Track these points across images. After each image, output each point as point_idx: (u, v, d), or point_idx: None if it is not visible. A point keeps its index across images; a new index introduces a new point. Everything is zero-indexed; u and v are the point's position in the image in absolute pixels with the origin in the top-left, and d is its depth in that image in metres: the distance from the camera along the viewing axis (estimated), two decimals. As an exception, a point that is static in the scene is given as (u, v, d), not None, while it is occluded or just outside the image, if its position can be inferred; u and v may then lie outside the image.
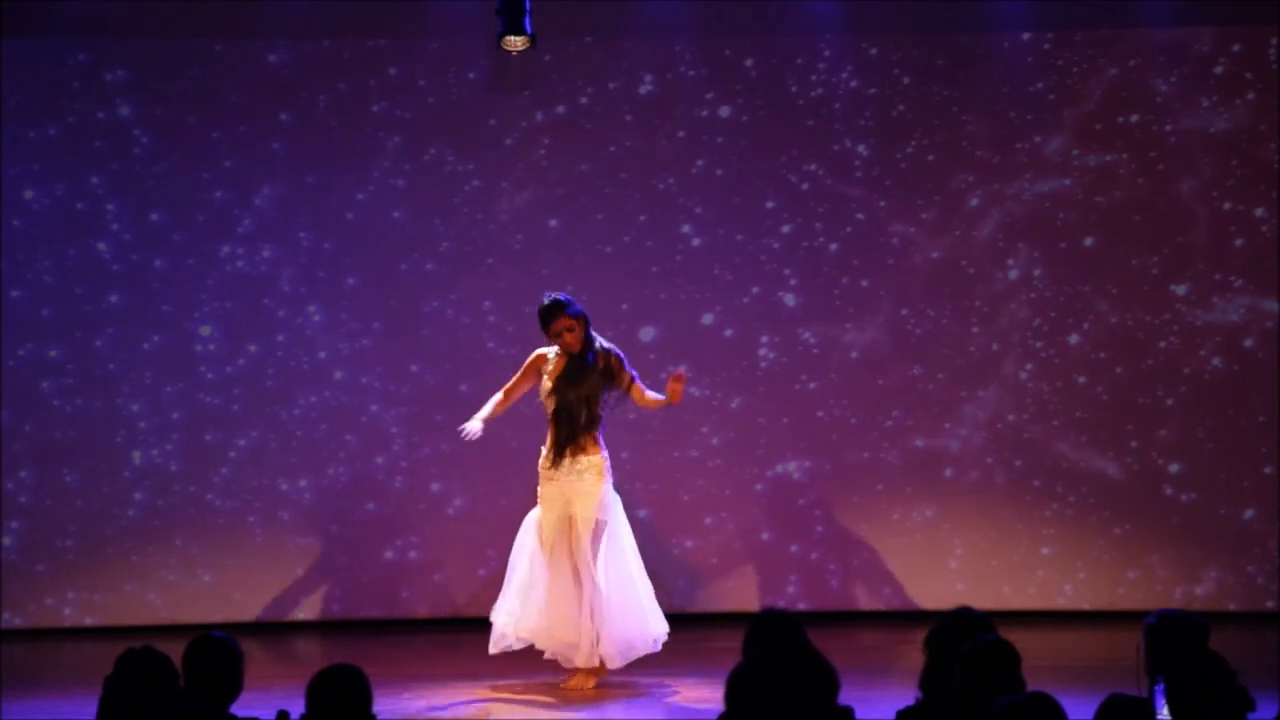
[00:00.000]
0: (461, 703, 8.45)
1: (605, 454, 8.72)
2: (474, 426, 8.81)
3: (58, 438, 10.90)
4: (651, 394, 8.75)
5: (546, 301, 8.75)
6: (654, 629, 8.76)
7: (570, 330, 8.67)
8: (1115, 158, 11.04)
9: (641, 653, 8.72)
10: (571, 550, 8.63)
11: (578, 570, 8.61)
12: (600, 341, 8.77)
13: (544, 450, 8.77)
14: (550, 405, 8.73)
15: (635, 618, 8.69)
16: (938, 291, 11.10)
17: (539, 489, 8.78)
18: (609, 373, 8.71)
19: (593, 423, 8.69)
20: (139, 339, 10.96)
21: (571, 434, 8.67)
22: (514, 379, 8.93)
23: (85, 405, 10.92)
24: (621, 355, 8.78)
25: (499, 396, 8.92)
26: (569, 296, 8.79)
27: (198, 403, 10.98)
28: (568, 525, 8.65)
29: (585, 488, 8.65)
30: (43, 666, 10.06)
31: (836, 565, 11.10)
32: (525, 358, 8.92)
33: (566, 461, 8.66)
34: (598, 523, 8.65)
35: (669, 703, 8.43)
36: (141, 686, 4.95)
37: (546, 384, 8.74)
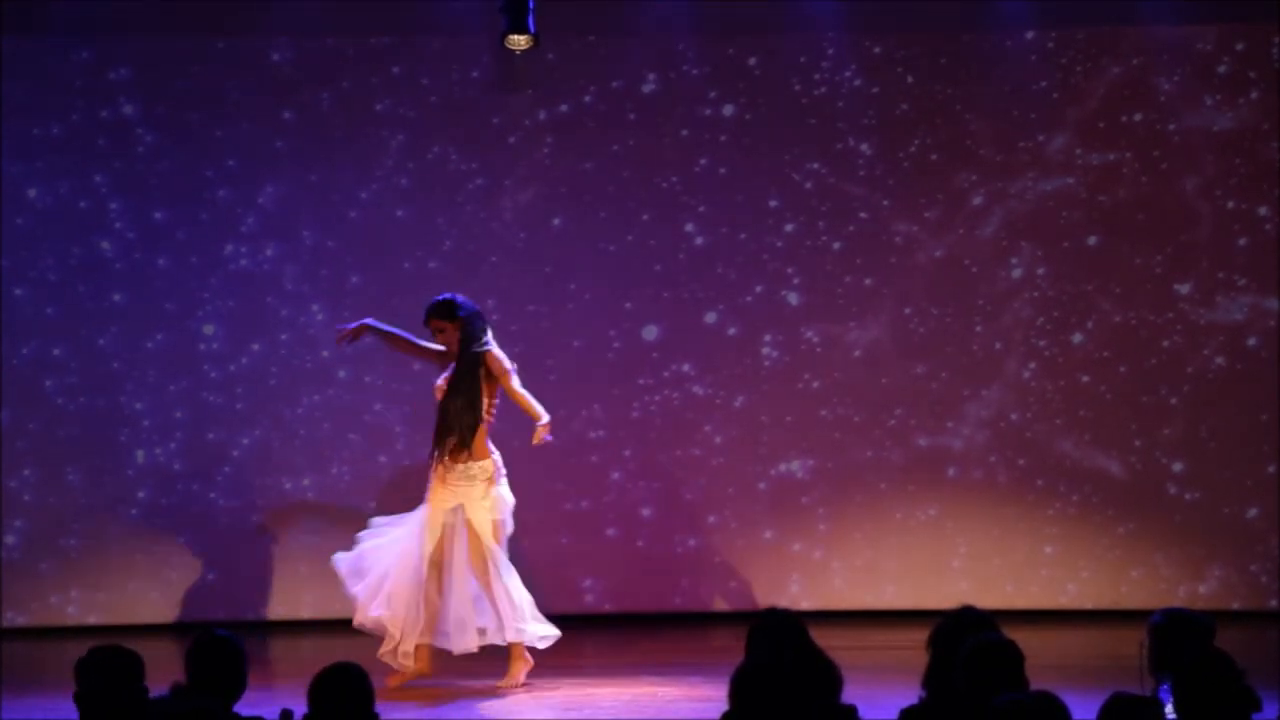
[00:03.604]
0: (462, 701, 8.45)
1: (496, 455, 8.72)
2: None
3: (61, 436, 10.90)
4: (528, 400, 8.66)
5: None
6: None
7: (441, 332, 8.70)
8: (1118, 156, 11.03)
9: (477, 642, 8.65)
10: (446, 549, 8.65)
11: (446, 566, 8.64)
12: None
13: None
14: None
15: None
16: (941, 290, 11.09)
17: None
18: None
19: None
20: (142, 337, 10.96)
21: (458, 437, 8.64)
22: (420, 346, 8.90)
23: (88, 404, 10.91)
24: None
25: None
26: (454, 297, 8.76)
27: (201, 401, 10.97)
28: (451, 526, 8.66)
29: (476, 493, 8.66)
30: (45, 665, 10.04)
31: (839, 564, 11.10)
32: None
33: (459, 467, 8.66)
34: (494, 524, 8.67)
35: (671, 702, 8.42)
36: (111, 685, 4.92)
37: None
